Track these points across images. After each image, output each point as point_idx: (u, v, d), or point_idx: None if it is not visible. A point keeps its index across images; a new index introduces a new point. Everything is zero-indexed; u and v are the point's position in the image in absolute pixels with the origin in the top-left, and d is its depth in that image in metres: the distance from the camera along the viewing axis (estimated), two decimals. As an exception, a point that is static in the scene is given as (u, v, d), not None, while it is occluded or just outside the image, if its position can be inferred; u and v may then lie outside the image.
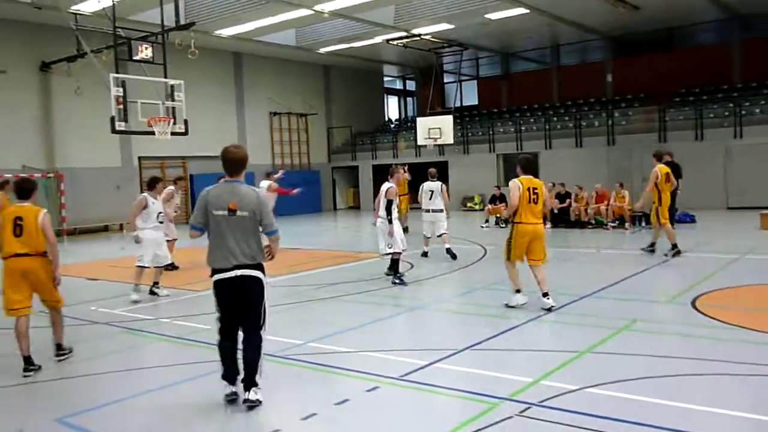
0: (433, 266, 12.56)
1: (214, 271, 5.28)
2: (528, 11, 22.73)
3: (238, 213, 5.21)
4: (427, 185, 13.79)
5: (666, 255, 12.04)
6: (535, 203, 8.24)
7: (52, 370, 6.50)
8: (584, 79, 30.21)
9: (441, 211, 13.43)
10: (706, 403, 4.91)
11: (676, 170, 17.30)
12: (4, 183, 11.65)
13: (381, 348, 6.87)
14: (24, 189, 6.69)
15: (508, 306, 8.35)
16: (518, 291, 8.38)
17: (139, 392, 5.72)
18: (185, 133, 17.22)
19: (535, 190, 8.26)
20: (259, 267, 5.31)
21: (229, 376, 5.35)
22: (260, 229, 5.34)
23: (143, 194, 10.19)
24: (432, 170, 14.35)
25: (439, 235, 13.33)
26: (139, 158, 24.72)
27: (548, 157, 25.33)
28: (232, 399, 5.28)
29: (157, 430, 4.98)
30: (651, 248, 12.55)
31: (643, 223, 17.41)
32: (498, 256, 13.72)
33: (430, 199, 13.57)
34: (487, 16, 23.32)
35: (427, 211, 13.64)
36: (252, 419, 5.12)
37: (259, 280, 5.28)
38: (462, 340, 6.90)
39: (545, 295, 8.16)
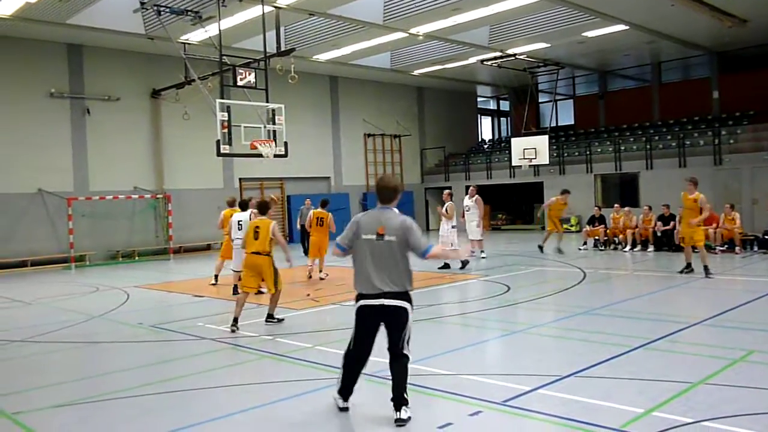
0: (532, 289, 12.33)
1: (360, 296, 5.46)
2: (627, 27, 22.14)
3: (386, 237, 5.36)
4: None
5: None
6: None
7: (161, 384, 6.80)
8: (687, 96, 29.01)
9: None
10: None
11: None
12: (239, 202, 13.70)
13: (481, 372, 6.79)
14: (262, 207, 9.70)
15: None
16: None
17: (241, 408, 5.88)
18: (285, 155, 17.74)
19: None
20: (406, 295, 5.41)
21: (346, 393, 5.60)
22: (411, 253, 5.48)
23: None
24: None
25: None
26: (240, 179, 25.66)
27: (649, 178, 24.45)
28: (345, 410, 5.59)
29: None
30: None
31: (755, 247, 16.48)
32: (598, 279, 13.35)
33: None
34: (584, 34, 22.88)
35: None
36: (355, 439, 5.17)
37: (405, 310, 5.39)
38: (565, 366, 6.72)
39: None
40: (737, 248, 16.63)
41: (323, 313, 10.62)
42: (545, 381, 6.23)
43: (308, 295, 12.38)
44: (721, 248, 16.83)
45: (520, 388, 6.00)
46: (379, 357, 7.40)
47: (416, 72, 28.47)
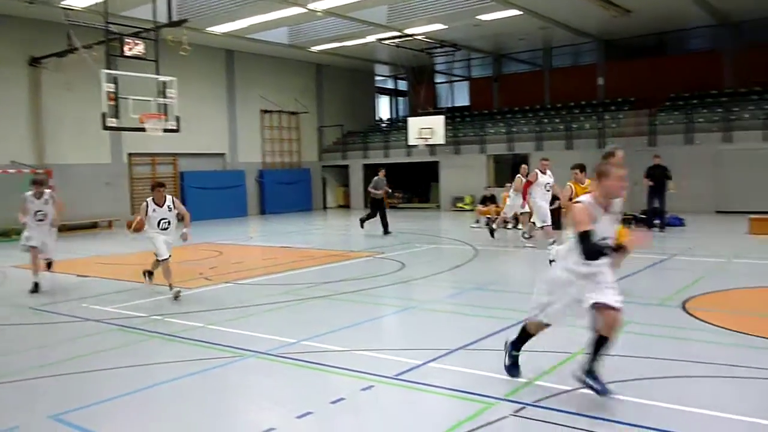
0: (426, 266, 12.60)
1: None
2: (521, 13, 22.79)
3: None
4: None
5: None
6: None
7: (46, 368, 6.46)
8: (576, 82, 30.31)
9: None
10: (696, 404, 4.96)
11: (664, 172, 17.50)
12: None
13: (375, 347, 6.87)
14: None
15: None
16: None
17: (131, 390, 5.68)
18: (177, 130, 17.13)
19: None
20: None
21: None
22: None
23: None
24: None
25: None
26: (129, 155, 24.57)
27: (539, 159, 25.40)
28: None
29: (150, 427, 4.96)
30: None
31: (633, 225, 17.50)
32: (488, 256, 13.81)
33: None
34: (479, 17, 23.36)
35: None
36: (247, 418, 5.12)
37: None
38: (456, 339, 6.91)
39: None
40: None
41: (215, 292, 10.41)
42: (436, 354, 6.39)
43: (201, 273, 12.10)
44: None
45: (412, 362, 6.12)
46: (282, 336, 7.37)
47: (315, 49, 28.14)
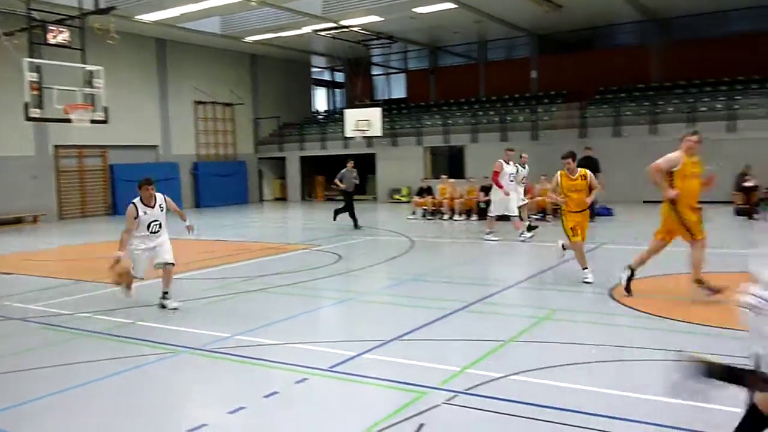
0: (363, 258, 12.63)
1: None
2: (455, 6, 23.01)
3: None
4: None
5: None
6: None
7: (-38, 369, 6.18)
8: (510, 75, 30.84)
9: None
10: (619, 387, 5.12)
11: (595, 164, 17.99)
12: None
13: (310, 340, 6.84)
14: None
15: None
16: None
17: (55, 390, 5.50)
18: (105, 122, 16.58)
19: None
20: None
21: None
22: None
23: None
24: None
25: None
26: (56, 147, 23.66)
27: (474, 151, 25.84)
28: None
29: (72, 429, 4.81)
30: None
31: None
32: (425, 247, 13.95)
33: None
34: (415, 9, 23.47)
35: None
36: (179, 415, 5.03)
37: None
38: (390, 330, 6.96)
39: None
40: (548, 216, 18.08)
41: (147, 288, 10.14)
42: (371, 346, 6.42)
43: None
44: (536, 217, 18.19)
45: (347, 354, 6.13)
46: (215, 331, 7.24)
47: (249, 39, 27.70)
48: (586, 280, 9.07)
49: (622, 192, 21.30)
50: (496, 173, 14.27)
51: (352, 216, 17.42)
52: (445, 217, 19.76)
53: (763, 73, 24.01)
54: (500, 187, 14.21)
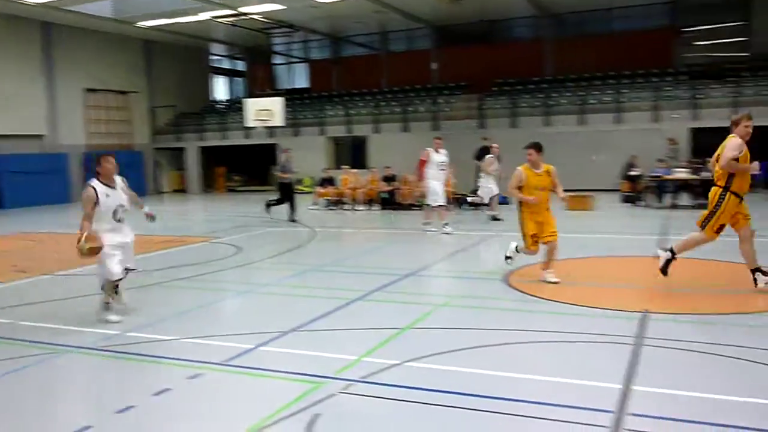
0: (262, 250, 12.45)
1: None
2: (357, -4, 23.02)
3: None
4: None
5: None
6: None
7: None
8: (411, 67, 31.17)
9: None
10: (511, 369, 5.30)
11: (487, 153, 18.42)
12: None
13: (205, 334, 6.66)
14: None
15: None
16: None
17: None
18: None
19: None
20: None
21: None
22: None
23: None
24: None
25: None
26: (-72, 136, 21.99)
27: (377, 141, 26.02)
28: None
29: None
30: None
31: (465, 205, 18.39)
32: (327, 238, 13.91)
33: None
34: (316, -2, 23.30)
35: None
36: (61, 418, 4.77)
37: None
38: (288, 322, 6.88)
39: None
40: (450, 205, 18.43)
41: (32, 285, 9.61)
42: (268, 338, 6.33)
43: (14, 265, 11.14)
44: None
45: (243, 347, 6.02)
46: (105, 328, 6.91)
47: (142, 24, 26.61)
48: (550, 280, 8.36)
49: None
50: (423, 162, 13.86)
51: (292, 207, 16.77)
52: (347, 207, 19.79)
53: (647, 68, 25.45)
54: (422, 177, 13.92)
